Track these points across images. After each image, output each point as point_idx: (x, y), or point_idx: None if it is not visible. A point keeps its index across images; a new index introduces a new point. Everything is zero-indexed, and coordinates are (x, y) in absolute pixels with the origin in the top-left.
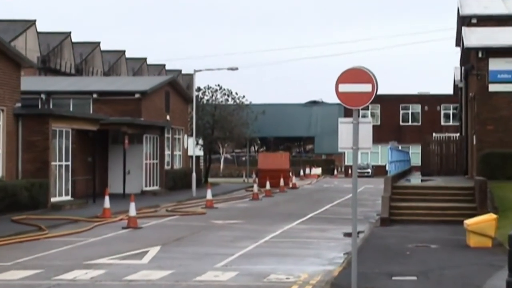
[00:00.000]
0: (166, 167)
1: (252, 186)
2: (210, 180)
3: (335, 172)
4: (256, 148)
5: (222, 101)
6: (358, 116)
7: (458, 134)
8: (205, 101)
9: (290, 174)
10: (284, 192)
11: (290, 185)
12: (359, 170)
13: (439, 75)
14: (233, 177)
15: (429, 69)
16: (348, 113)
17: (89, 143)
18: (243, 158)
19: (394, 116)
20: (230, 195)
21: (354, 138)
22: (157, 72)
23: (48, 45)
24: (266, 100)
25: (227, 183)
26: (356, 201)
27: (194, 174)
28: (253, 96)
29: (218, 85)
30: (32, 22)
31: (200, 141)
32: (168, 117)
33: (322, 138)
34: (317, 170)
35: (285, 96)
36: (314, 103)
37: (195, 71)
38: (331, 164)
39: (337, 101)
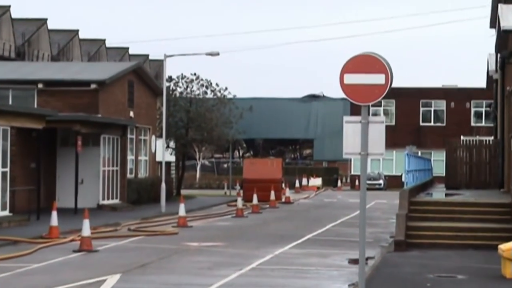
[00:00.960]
0: (128, 175)
1: (236, 200)
2: (183, 192)
3: (339, 183)
4: (241, 153)
5: (199, 94)
6: (368, 114)
7: (492, 138)
8: (178, 94)
9: (283, 185)
10: (276, 208)
11: (283, 199)
12: (368, 182)
13: (469, 64)
14: (212, 189)
15: (457, 56)
16: (355, 110)
17: (33, 145)
18: (225, 165)
19: (412, 115)
20: (208, 211)
21: (363, 142)
22: (118, 57)
23: None
24: (254, 93)
25: (204, 195)
26: (364, 219)
27: (163, 185)
28: (238, 88)
29: (195, 74)
30: None
31: (172, 144)
32: (131, 114)
33: (323, 141)
34: (317, 181)
35: (278, 89)
36: (313, 97)
37: (166, 56)
38: (334, 173)
39: (342, 95)
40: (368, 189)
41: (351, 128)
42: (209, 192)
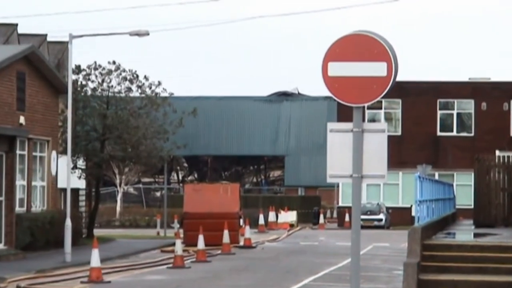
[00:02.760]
0: (18, 209)
1: (173, 244)
2: (98, 232)
3: (321, 219)
4: (180, 176)
5: (120, 92)
6: (364, 119)
7: None
8: (89, 91)
9: (241, 222)
10: (231, 255)
11: (241, 242)
12: (364, 217)
13: (507, 51)
14: (139, 227)
15: (489, 40)
16: (344, 114)
17: None
18: (157, 194)
19: (426, 121)
20: (133, 259)
21: (356, 159)
22: (2, 38)
23: None
24: (200, 90)
25: (128, 237)
26: (358, 271)
27: (68, 222)
28: (176, 83)
29: (113, 62)
30: None
31: (81, 163)
32: (22, 120)
33: (299, 159)
34: (290, 216)
35: (233, 83)
36: (285, 96)
37: (72, 36)
38: (314, 204)
39: (325, 92)
40: (363, 227)
41: (338, 140)
42: (135, 232)
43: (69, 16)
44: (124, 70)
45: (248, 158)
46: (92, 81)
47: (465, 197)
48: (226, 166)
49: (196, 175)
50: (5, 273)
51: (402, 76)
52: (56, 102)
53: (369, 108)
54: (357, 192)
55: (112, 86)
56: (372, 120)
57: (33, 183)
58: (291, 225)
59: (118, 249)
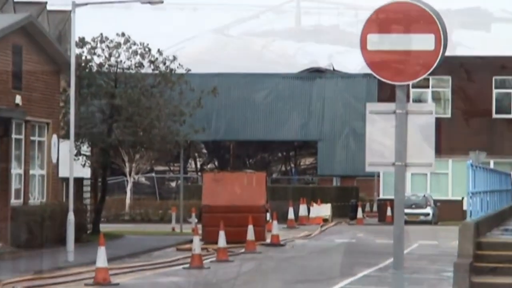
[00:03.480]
0: (13, 201)
1: (190, 241)
2: (104, 227)
3: (360, 213)
4: (198, 164)
5: (130, 68)
6: (408, 100)
7: None
8: (95, 67)
9: (268, 217)
10: (256, 254)
11: (268, 240)
12: (408, 211)
13: None
14: (151, 222)
15: None
16: (386, 93)
17: None
18: (172, 184)
19: (480, 101)
20: (145, 258)
21: (399, 145)
22: None
23: None
24: (220, 66)
25: (139, 234)
26: (401, 274)
27: (71, 216)
28: (193, 58)
29: (123, 34)
30: None
31: (85, 149)
32: (18, 100)
33: (334, 145)
34: (323, 209)
35: (259, 58)
36: (318, 72)
37: (75, 4)
38: (351, 197)
39: (364, 68)
40: (407, 222)
41: (378, 123)
42: (147, 227)
43: None
44: (134, 43)
45: (276, 144)
46: (98, 56)
47: None
48: (251, 152)
49: (216, 163)
50: None
51: (452, 50)
52: (57, 79)
53: (414, 86)
54: (400, 182)
55: (120, 61)
56: (418, 100)
57: (31, 172)
58: (325, 220)
59: (127, 247)
